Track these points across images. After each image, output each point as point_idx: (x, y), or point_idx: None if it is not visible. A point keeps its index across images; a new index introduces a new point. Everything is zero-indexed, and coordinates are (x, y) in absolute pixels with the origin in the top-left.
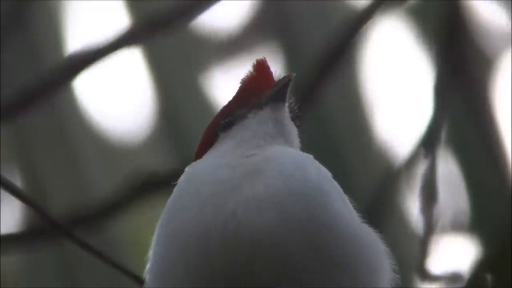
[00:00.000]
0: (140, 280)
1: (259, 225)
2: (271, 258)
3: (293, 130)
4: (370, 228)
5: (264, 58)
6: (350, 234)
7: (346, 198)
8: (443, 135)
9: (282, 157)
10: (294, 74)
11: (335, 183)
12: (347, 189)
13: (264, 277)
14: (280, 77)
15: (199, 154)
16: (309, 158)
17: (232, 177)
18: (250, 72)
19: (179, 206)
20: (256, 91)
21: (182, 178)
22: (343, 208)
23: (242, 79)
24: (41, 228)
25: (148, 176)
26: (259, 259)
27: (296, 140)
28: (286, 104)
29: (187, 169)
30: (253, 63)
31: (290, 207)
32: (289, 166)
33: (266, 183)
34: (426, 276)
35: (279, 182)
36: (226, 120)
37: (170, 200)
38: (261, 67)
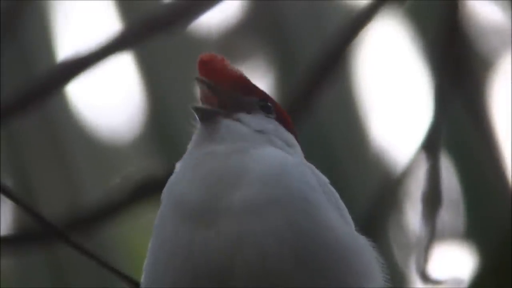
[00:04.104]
0: (133, 283)
1: (238, 232)
2: (250, 263)
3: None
4: (362, 237)
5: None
6: (336, 241)
7: (341, 204)
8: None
9: (264, 163)
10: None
11: (330, 189)
12: (345, 196)
13: (244, 283)
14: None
15: None
16: (295, 163)
17: (210, 183)
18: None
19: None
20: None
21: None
22: (331, 215)
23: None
24: (35, 231)
25: (142, 180)
26: (238, 265)
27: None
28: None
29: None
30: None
31: (269, 215)
32: (270, 172)
33: (244, 192)
34: (428, 280)
35: (257, 191)
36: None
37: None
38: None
